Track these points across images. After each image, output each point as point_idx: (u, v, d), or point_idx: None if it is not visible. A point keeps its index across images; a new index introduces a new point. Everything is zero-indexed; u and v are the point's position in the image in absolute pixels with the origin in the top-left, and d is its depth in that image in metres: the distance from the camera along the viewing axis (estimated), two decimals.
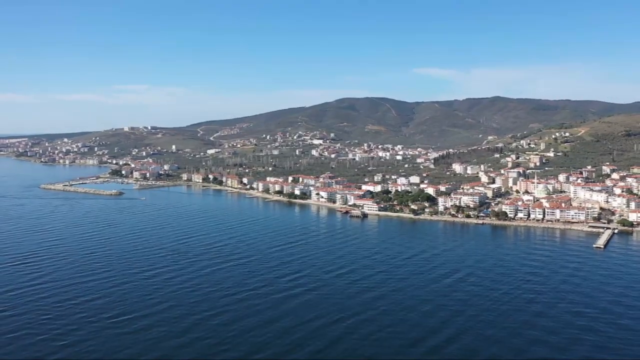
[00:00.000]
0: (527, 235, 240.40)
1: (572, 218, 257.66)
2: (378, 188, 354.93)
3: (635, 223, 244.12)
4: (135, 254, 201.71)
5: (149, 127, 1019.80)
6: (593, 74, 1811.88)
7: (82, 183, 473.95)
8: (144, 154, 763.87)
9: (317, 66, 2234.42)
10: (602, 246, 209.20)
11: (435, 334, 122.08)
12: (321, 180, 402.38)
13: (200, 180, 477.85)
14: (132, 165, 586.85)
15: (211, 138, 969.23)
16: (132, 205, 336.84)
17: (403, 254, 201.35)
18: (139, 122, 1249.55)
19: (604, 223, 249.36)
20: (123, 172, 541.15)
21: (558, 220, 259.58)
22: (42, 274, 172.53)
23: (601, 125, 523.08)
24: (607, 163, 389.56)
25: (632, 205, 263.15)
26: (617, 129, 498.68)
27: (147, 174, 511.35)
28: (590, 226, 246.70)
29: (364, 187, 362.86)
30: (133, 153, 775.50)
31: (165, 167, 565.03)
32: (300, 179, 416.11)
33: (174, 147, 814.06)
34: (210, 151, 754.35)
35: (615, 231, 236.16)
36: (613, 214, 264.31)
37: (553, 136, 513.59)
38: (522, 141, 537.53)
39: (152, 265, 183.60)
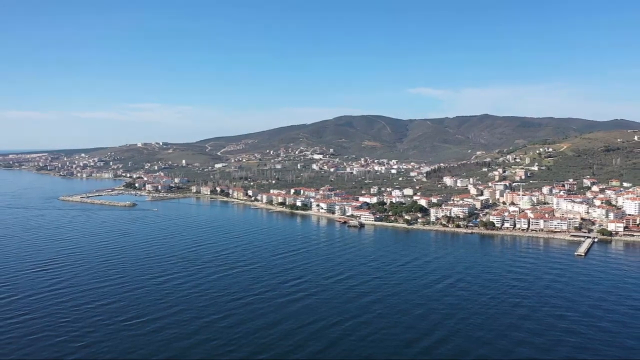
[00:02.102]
0: (513, 244, 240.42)
1: (555, 228, 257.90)
2: (374, 200, 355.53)
3: (613, 232, 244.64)
4: (147, 261, 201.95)
5: (161, 143, 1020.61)
6: (574, 93, 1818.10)
7: (98, 195, 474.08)
8: (156, 167, 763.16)
9: (317, 86, 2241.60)
10: (583, 254, 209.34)
11: (428, 335, 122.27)
12: (321, 192, 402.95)
13: (209, 193, 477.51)
14: (145, 179, 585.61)
15: (219, 153, 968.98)
16: (145, 216, 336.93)
17: (397, 261, 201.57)
18: (150, 138, 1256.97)
19: (585, 232, 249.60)
20: (136, 184, 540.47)
21: (542, 229, 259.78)
22: (61, 280, 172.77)
23: (582, 141, 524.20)
24: (588, 177, 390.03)
25: (611, 215, 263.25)
26: (596, 144, 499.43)
27: (159, 187, 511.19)
28: (571, 235, 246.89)
29: (361, 199, 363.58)
30: (146, 167, 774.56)
31: (176, 180, 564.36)
32: (302, 191, 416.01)
33: (184, 161, 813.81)
34: (218, 165, 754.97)
35: (595, 240, 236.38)
36: (593, 224, 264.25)
37: (537, 151, 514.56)
38: (508, 156, 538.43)
39: (164, 272, 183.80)
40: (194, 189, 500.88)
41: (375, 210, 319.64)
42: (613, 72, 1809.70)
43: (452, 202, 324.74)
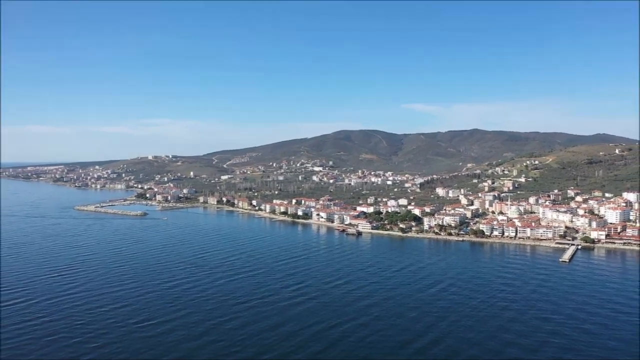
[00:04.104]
0: (501, 251, 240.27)
1: (541, 236, 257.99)
2: (371, 209, 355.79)
3: (596, 240, 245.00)
4: (158, 266, 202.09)
5: (170, 156, 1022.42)
6: (559, 109, 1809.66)
7: (111, 205, 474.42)
8: (166, 179, 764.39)
9: (317, 102, 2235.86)
10: (567, 260, 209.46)
11: (421, 337, 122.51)
12: (321, 202, 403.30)
13: (215, 203, 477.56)
14: (155, 189, 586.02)
15: (224, 165, 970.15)
16: (156, 224, 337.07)
17: (393, 267, 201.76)
18: (160, 151, 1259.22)
19: (569, 240, 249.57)
20: (147, 195, 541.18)
21: (529, 237, 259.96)
22: (77, 285, 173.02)
23: (566, 154, 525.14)
24: (572, 187, 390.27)
25: (594, 224, 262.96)
26: (580, 157, 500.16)
27: (169, 197, 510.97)
28: (557, 243, 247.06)
29: (359, 209, 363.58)
30: (156, 179, 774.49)
31: (184, 190, 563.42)
32: (303, 201, 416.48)
33: (192, 173, 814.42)
34: (224, 177, 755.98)
35: (579, 247, 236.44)
36: (577, 232, 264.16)
37: (524, 164, 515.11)
38: (497, 168, 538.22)
39: (173, 277, 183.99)
40: (201, 199, 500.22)
41: (372, 219, 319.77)
42: (597, 89, 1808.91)
43: (444, 211, 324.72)
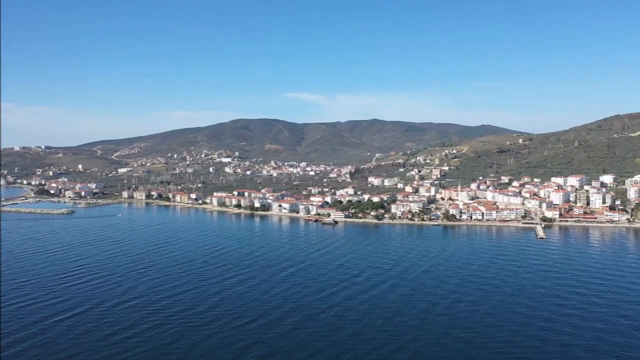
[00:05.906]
0: (480, 232, 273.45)
1: (506, 217, 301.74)
2: (328, 199, 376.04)
3: (552, 219, 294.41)
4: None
5: (43, 147, 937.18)
6: (443, 101, 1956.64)
7: (13, 203, 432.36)
8: (51, 173, 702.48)
9: (193, 91, 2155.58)
10: (545, 237, 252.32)
11: (446, 298, 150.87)
12: (275, 194, 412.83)
13: (143, 197, 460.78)
14: (54, 185, 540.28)
15: (113, 157, 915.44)
16: (118, 223, 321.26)
17: (396, 250, 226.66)
18: (11, 142, 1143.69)
19: (531, 220, 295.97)
20: (52, 191, 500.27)
21: (495, 219, 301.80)
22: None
23: (478, 144, 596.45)
24: (492, 175, 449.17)
25: (544, 206, 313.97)
26: (491, 147, 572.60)
27: (82, 193, 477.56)
28: (523, 223, 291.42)
29: (313, 199, 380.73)
30: (38, 173, 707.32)
31: (92, 185, 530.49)
32: (246, 194, 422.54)
33: (80, 166, 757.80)
34: (122, 170, 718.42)
35: (542, 225, 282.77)
36: (530, 212, 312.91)
37: (443, 153, 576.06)
38: (419, 157, 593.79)
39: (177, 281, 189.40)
40: (125, 194, 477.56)
41: (341, 208, 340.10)
42: (475, 84, 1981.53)
43: (404, 199, 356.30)
